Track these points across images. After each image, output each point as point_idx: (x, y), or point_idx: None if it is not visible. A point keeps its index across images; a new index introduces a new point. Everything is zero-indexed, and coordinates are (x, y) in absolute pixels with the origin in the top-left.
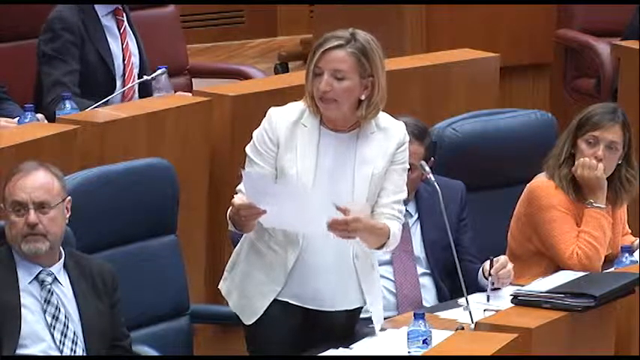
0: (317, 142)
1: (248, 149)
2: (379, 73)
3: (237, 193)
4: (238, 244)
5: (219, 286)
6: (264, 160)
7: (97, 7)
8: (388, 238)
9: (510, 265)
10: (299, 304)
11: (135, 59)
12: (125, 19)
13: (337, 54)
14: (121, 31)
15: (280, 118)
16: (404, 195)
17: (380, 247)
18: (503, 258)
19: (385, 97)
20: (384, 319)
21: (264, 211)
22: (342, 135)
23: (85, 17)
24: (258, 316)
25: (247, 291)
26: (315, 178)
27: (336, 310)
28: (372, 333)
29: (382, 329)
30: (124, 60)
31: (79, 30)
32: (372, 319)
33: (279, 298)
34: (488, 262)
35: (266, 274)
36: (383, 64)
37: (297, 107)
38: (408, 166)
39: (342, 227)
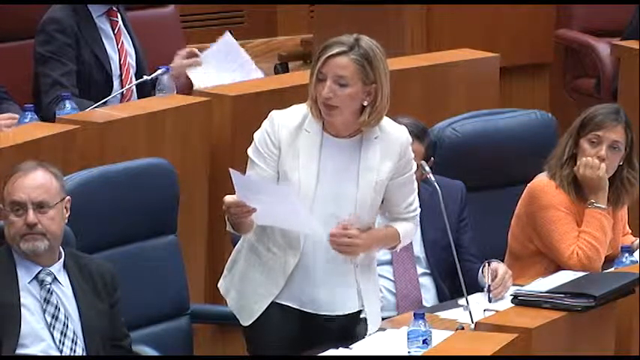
0: (319, 148)
1: (250, 151)
2: (382, 79)
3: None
4: (238, 243)
5: (218, 285)
6: (266, 163)
7: (90, 8)
8: (399, 240)
9: (509, 275)
10: (297, 307)
11: (131, 60)
12: (120, 19)
13: (340, 60)
14: (116, 31)
15: (283, 121)
16: (415, 193)
17: (392, 248)
18: (501, 270)
19: (388, 103)
20: (384, 319)
21: (254, 209)
22: (344, 141)
23: (79, 18)
24: (256, 318)
25: (245, 292)
26: (317, 184)
27: (335, 315)
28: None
29: (382, 329)
30: (120, 60)
31: (73, 31)
32: (368, 321)
33: (277, 301)
34: (485, 267)
35: (265, 276)
36: (387, 71)
37: (299, 111)
38: (414, 169)
39: (342, 238)
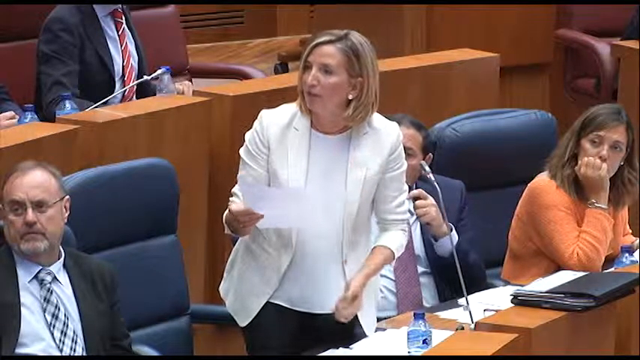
0: (308, 146)
1: (241, 152)
2: (369, 75)
3: (232, 196)
4: (236, 245)
5: (219, 288)
6: (257, 163)
7: (96, 8)
8: (393, 257)
9: (430, 200)
10: (291, 307)
11: (134, 62)
12: (124, 20)
13: (327, 49)
14: (120, 32)
15: (271, 120)
16: (405, 195)
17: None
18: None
19: (376, 101)
20: (384, 318)
21: (262, 216)
22: (333, 138)
23: (84, 18)
24: (252, 318)
25: (242, 292)
26: (306, 181)
27: (331, 313)
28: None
29: (382, 329)
30: (123, 62)
31: (78, 31)
32: (362, 324)
33: (273, 301)
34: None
35: (260, 275)
36: (375, 68)
37: (289, 110)
38: (405, 168)
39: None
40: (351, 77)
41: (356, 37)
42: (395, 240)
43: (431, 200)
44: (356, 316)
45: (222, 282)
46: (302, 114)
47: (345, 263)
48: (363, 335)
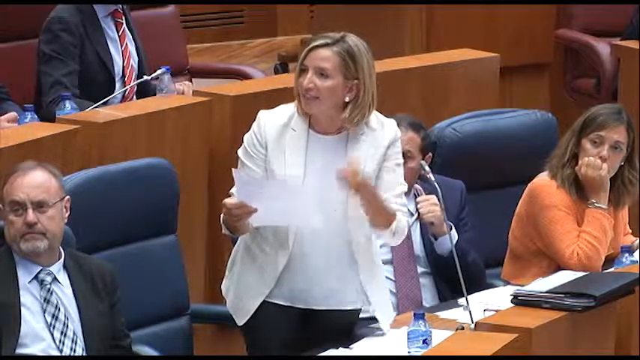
0: (305, 146)
1: (240, 152)
2: (366, 77)
3: (230, 196)
4: (236, 245)
5: (221, 285)
6: (255, 163)
7: (96, 8)
8: (394, 216)
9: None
10: (289, 305)
11: (134, 62)
12: (124, 21)
13: (322, 52)
14: (120, 33)
15: (269, 121)
16: (403, 188)
17: (387, 227)
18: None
19: (373, 103)
20: None
21: (256, 210)
22: (330, 138)
23: (85, 18)
24: (249, 317)
25: (239, 291)
26: (304, 181)
27: (333, 310)
28: (372, 333)
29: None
30: (123, 63)
31: (79, 31)
32: (379, 320)
33: (271, 300)
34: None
35: (257, 275)
36: (371, 70)
37: (286, 110)
38: (402, 162)
39: (352, 176)
40: (347, 80)
41: (352, 39)
42: (399, 219)
43: (434, 199)
44: (356, 317)
45: (224, 279)
46: (299, 115)
47: (358, 254)
48: (365, 334)
